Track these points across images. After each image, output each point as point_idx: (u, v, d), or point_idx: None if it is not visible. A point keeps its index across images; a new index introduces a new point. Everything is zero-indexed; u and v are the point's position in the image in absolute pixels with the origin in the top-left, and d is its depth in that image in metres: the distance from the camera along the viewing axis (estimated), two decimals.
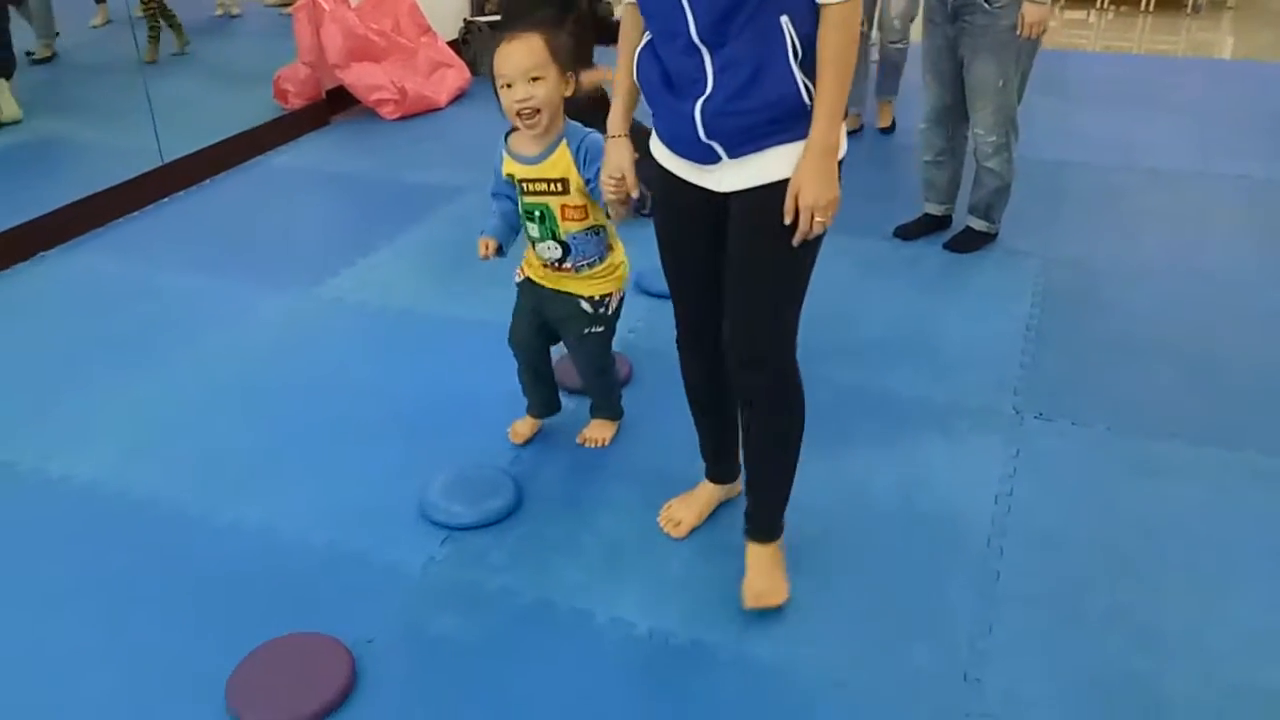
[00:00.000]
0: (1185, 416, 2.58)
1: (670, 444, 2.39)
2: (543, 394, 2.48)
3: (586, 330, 2.31)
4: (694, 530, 2.18)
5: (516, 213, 2.24)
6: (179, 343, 3.00)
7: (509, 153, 2.18)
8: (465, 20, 5.82)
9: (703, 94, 1.68)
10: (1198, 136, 4.63)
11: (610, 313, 2.31)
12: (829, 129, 1.66)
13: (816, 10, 1.63)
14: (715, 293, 1.89)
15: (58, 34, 5.53)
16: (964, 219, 3.53)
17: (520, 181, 2.17)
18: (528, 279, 2.33)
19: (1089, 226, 3.70)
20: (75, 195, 3.80)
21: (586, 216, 2.17)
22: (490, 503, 2.25)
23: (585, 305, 2.27)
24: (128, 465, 2.45)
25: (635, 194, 1.91)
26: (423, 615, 2.00)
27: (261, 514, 2.27)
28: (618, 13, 1.97)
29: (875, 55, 5.01)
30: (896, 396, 2.67)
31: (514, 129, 2.15)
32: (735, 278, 1.82)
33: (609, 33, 3.88)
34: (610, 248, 2.26)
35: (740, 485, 2.14)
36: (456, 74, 5.29)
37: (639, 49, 1.79)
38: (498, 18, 5.84)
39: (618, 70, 1.88)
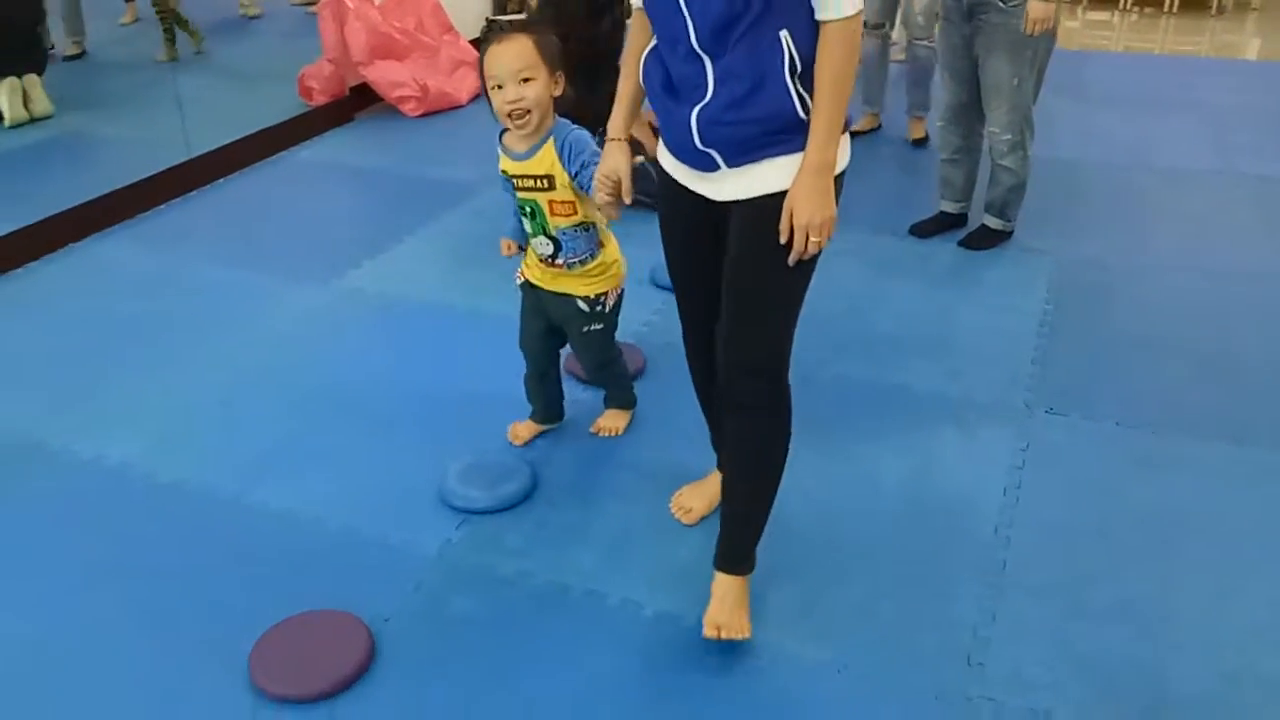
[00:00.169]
0: (1194, 412, 2.60)
1: (682, 435, 2.43)
2: (546, 400, 2.52)
3: (586, 329, 2.34)
4: (704, 518, 2.22)
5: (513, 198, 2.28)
6: (205, 332, 3.07)
7: (503, 149, 2.21)
8: (487, 19, 5.88)
9: (701, 101, 1.68)
10: (1218, 137, 4.63)
11: (608, 310, 2.34)
12: (825, 147, 1.65)
13: (818, 26, 1.63)
14: (717, 295, 1.88)
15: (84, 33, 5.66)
16: (979, 217, 3.56)
17: (512, 177, 2.21)
18: (527, 281, 2.37)
19: (1105, 225, 3.72)
20: (104, 188, 3.87)
21: (575, 212, 2.19)
22: (506, 488, 2.30)
23: (582, 304, 2.30)
24: (156, 448, 2.51)
25: (628, 200, 1.91)
26: (439, 595, 2.05)
27: (284, 496, 2.33)
28: None
29: (897, 54, 5.03)
30: (909, 390, 2.70)
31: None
32: (730, 287, 1.82)
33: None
34: (601, 245, 2.28)
35: None
36: (478, 72, 5.34)
37: (645, 52, 1.80)
38: (520, 16, 5.90)
39: (622, 74, 1.90)
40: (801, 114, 1.65)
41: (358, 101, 5.07)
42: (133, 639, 1.96)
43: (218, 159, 4.34)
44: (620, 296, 2.37)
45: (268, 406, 2.69)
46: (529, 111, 2.07)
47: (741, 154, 1.70)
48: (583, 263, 2.26)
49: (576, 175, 2.11)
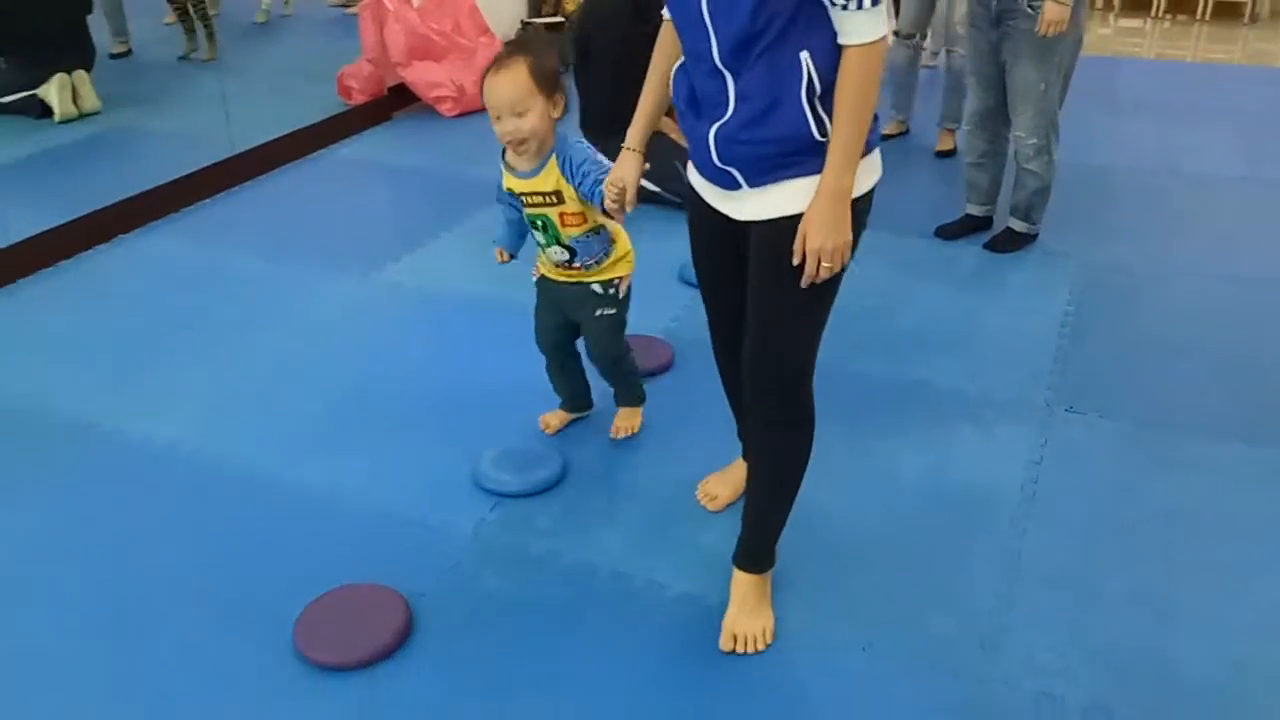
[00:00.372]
0: (1212, 413, 2.65)
1: (708, 425, 2.49)
2: (571, 390, 2.59)
3: (599, 311, 2.37)
4: (729, 505, 2.30)
5: (522, 220, 2.35)
6: (248, 320, 3.18)
7: (506, 168, 2.26)
8: (523, 22, 5.99)
9: (721, 119, 1.69)
10: (1249, 144, 4.66)
11: (620, 296, 2.38)
12: (842, 173, 1.64)
13: (839, 49, 1.61)
14: (738, 308, 1.91)
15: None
16: (1005, 220, 3.61)
17: (519, 195, 2.25)
18: (543, 276, 2.43)
19: (1130, 229, 3.76)
20: (151, 183, 3.99)
21: (585, 221, 2.24)
22: (538, 473, 2.39)
23: (596, 287, 2.35)
24: (202, 430, 2.62)
25: (631, 209, 1.96)
26: (473, 572, 2.14)
27: (324, 477, 2.43)
28: None
29: (927, 61, 5.07)
30: (931, 387, 2.77)
31: None
32: (753, 308, 1.83)
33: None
34: (613, 242, 2.34)
35: None
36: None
37: (676, 66, 1.81)
38: (557, 19, 6.00)
39: (646, 86, 1.93)
40: (819, 136, 1.64)
41: (395, 101, 5.18)
42: (181, 607, 2.06)
43: (260, 155, 4.46)
44: (630, 285, 2.41)
45: (309, 392, 2.79)
46: (526, 140, 2.12)
47: (760, 174, 1.71)
48: (598, 263, 2.33)
49: (581, 187, 2.15)
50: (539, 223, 2.28)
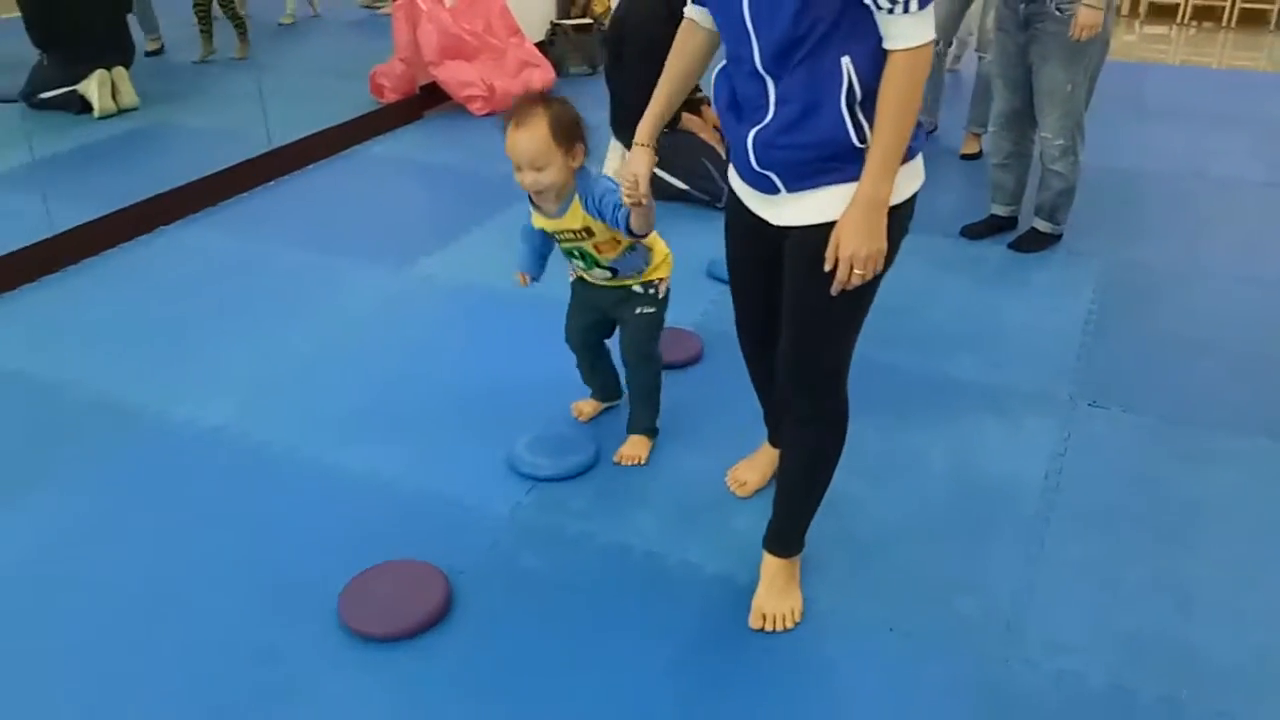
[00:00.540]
0: (1233, 409, 2.69)
1: (737, 414, 2.54)
2: (602, 382, 2.64)
3: (639, 310, 2.41)
4: (758, 490, 2.35)
5: (544, 244, 2.41)
6: (287, 309, 3.26)
7: (534, 208, 2.31)
8: (552, 23, 6.07)
9: (760, 122, 1.69)
10: (1272, 150, 4.69)
11: (660, 296, 2.43)
12: (880, 181, 1.63)
13: (881, 54, 1.59)
14: (768, 308, 1.94)
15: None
16: (1029, 220, 3.65)
17: (552, 233, 2.33)
18: (580, 277, 2.47)
19: (1154, 231, 3.80)
20: (189, 177, 4.08)
21: (620, 243, 2.29)
22: (572, 458, 2.45)
23: (637, 288, 2.40)
24: (245, 413, 2.70)
25: (645, 202, 1.98)
26: (510, 551, 2.20)
27: (364, 459, 2.50)
28: None
29: (952, 64, 5.12)
30: (956, 381, 2.82)
31: None
32: (790, 310, 1.84)
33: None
34: (650, 250, 2.38)
35: None
36: (542, 74, 5.53)
37: (717, 70, 1.81)
38: (584, 20, 6.08)
39: (659, 84, 1.94)
40: (857, 142, 1.64)
41: (426, 100, 5.27)
42: (230, 580, 2.13)
43: (295, 151, 4.56)
44: (669, 287, 2.45)
45: (347, 378, 2.87)
46: (544, 191, 2.18)
47: (798, 179, 1.71)
48: (640, 272, 2.39)
49: (604, 216, 2.20)
50: (576, 253, 2.35)
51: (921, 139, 1.72)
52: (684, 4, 1.90)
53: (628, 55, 3.78)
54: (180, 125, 5.14)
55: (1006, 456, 2.50)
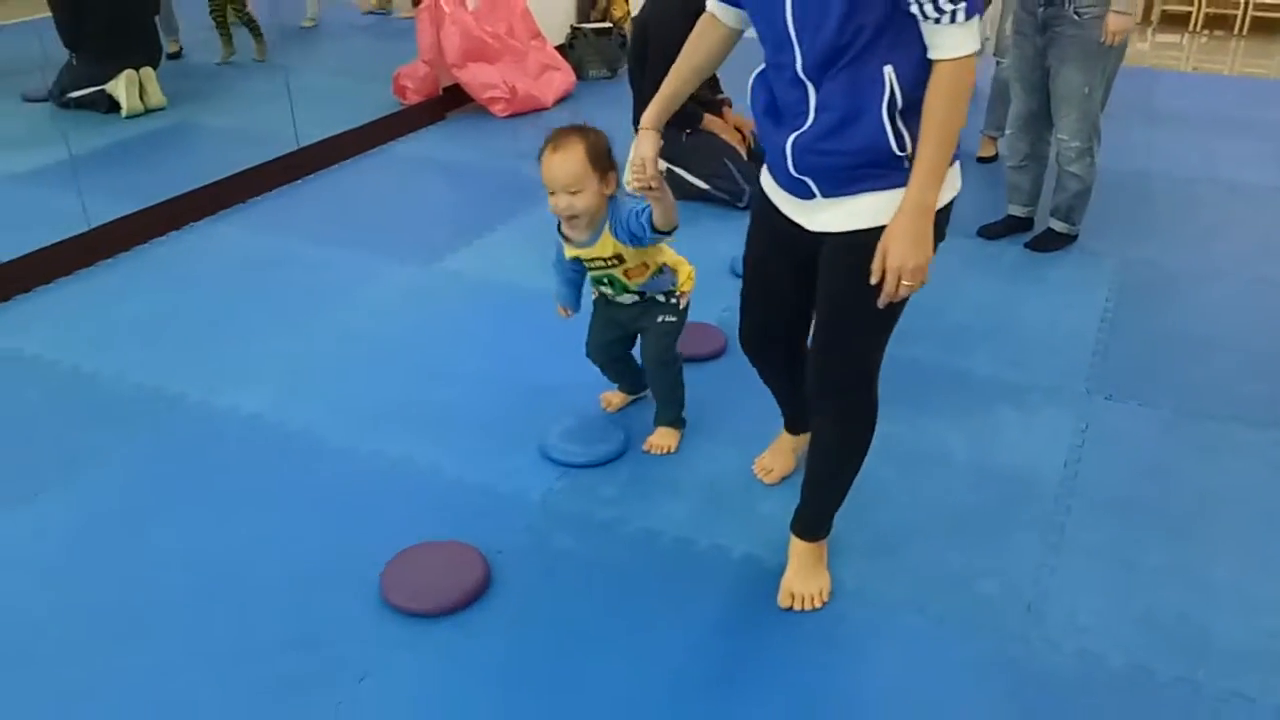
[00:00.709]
0: (1248, 403, 2.75)
1: (760, 403, 2.57)
2: (629, 377, 2.71)
3: (661, 318, 2.48)
4: (785, 478, 2.42)
5: (576, 272, 2.49)
6: (319, 302, 3.33)
7: (564, 239, 2.39)
8: (572, 26, 6.15)
9: (800, 128, 1.70)
10: None
11: (681, 306, 2.50)
12: (926, 189, 1.63)
13: (925, 64, 1.60)
14: (788, 309, 2.00)
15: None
16: (1046, 221, 3.72)
17: (584, 261, 2.40)
18: (602, 294, 2.52)
19: (1167, 232, 3.87)
20: (216, 175, 4.16)
21: (648, 268, 2.38)
22: (602, 446, 2.52)
23: (660, 297, 2.47)
24: (282, 401, 2.77)
25: (655, 185, 2.01)
26: (545, 534, 2.27)
27: (399, 446, 2.57)
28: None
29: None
30: (975, 375, 2.89)
31: None
32: (823, 314, 1.87)
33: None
34: (676, 273, 2.46)
35: None
36: (563, 76, 5.61)
37: (754, 75, 1.82)
38: (604, 25, 6.16)
39: (671, 71, 1.97)
40: (897, 150, 1.65)
41: (449, 101, 5.35)
42: (274, 560, 2.20)
43: (320, 151, 4.63)
44: (689, 300, 2.51)
45: (380, 368, 2.94)
46: (578, 216, 2.25)
47: (836, 185, 1.72)
48: (666, 293, 2.47)
49: (630, 226, 2.25)
50: (605, 279, 2.43)
51: (960, 145, 1.72)
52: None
53: (651, 56, 3.85)
54: (205, 125, 5.23)
55: (1026, 447, 2.56)
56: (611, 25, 6.16)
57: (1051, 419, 2.68)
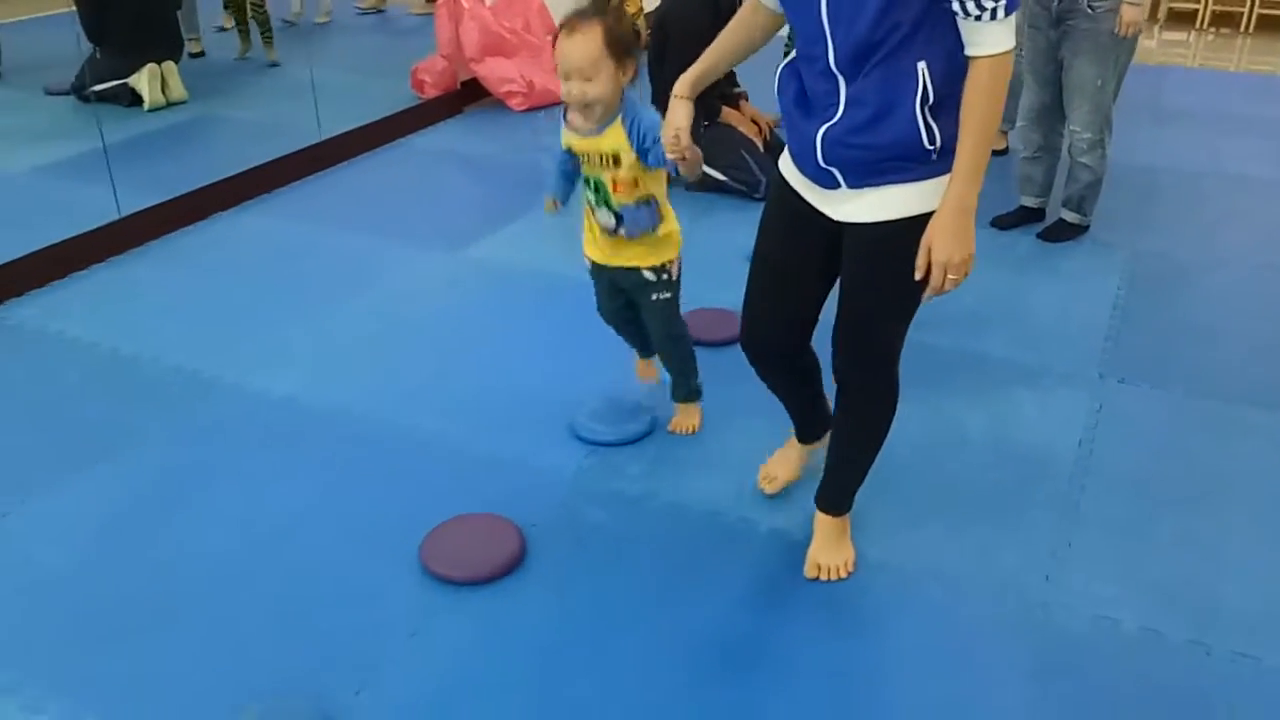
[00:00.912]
0: (1257, 385, 2.83)
1: None
2: (640, 340, 2.68)
3: (655, 296, 2.46)
4: (786, 486, 2.37)
5: (571, 166, 2.39)
6: (348, 287, 3.42)
7: (567, 125, 2.28)
8: None
9: (830, 120, 1.70)
10: None
11: (673, 279, 2.46)
12: (968, 188, 1.63)
13: (957, 59, 1.60)
14: (787, 299, 1.99)
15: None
16: (1058, 211, 3.79)
17: (578, 153, 2.28)
18: (594, 263, 2.46)
19: (1176, 223, 3.94)
20: (239, 166, 4.24)
21: (636, 188, 2.25)
22: (630, 426, 2.60)
23: (648, 274, 2.42)
24: (316, 382, 2.85)
25: (688, 155, 1.96)
26: (577, 508, 2.35)
27: (433, 423, 2.65)
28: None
29: None
30: (991, 359, 2.96)
31: None
32: (848, 298, 1.90)
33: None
34: (662, 219, 2.35)
35: (827, 440, 2.23)
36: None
37: (783, 65, 1.83)
38: None
39: (711, 45, 1.94)
40: (927, 144, 1.66)
41: (467, 95, 5.43)
42: (317, 532, 2.28)
43: (341, 143, 4.71)
44: (680, 265, 2.46)
45: (410, 350, 3.02)
46: (591, 105, 2.13)
47: (862, 177, 1.73)
48: (645, 233, 2.34)
49: (644, 144, 2.16)
50: (592, 183, 2.31)
51: None
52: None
53: (670, 51, 3.93)
54: (227, 117, 5.32)
55: (1041, 427, 2.64)
56: None
57: (1066, 401, 2.76)
